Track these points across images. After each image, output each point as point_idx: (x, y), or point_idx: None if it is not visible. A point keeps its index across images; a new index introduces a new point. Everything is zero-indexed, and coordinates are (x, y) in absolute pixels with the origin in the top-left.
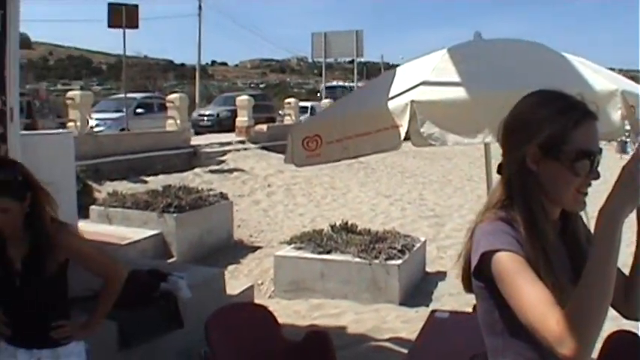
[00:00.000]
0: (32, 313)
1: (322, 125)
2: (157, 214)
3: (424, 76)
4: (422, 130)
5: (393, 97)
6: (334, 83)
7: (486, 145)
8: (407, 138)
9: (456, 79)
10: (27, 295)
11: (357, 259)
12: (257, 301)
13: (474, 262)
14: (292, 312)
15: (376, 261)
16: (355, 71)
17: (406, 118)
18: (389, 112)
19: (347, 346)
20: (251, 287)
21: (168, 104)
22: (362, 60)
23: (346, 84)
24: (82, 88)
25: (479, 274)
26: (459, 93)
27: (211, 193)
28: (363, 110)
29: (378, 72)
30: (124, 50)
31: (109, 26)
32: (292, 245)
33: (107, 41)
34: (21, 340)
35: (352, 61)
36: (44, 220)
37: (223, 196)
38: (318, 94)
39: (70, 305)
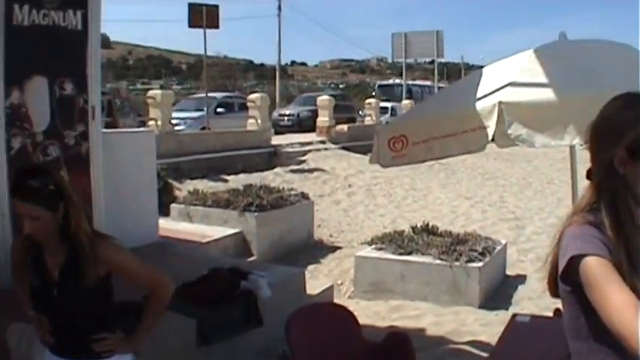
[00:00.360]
0: (71, 323)
1: (408, 126)
2: (237, 213)
3: (511, 77)
4: (509, 131)
5: (480, 98)
6: (390, 81)
7: (571, 148)
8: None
9: (543, 80)
10: (64, 305)
11: (438, 261)
12: (336, 301)
13: (561, 266)
14: (372, 313)
15: (457, 263)
16: (436, 72)
17: (493, 119)
18: (476, 112)
19: (426, 349)
20: (331, 287)
21: (249, 104)
22: (442, 60)
23: (399, 81)
24: (161, 88)
25: (566, 278)
26: (547, 94)
27: (292, 192)
28: (449, 111)
29: (458, 73)
30: (204, 50)
31: (190, 26)
32: (373, 246)
33: (186, 41)
34: (62, 351)
35: (432, 62)
36: (79, 232)
37: (304, 196)
38: (373, 92)
39: (117, 318)
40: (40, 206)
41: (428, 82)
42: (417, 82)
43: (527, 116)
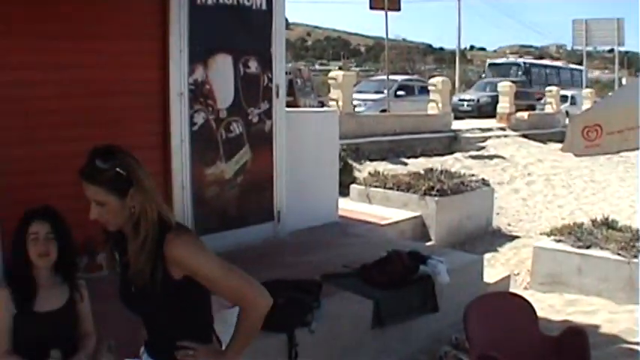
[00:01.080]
0: (151, 325)
1: (603, 115)
2: (418, 197)
3: None
4: None
5: None
6: (503, 60)
7: None
8: None
9: None
10: (139, 305)
11: (616, 257)
12: (512, 291)
13: None
14: (546, 305)
15: (635, 260)
16: (616, 60)
17: None
18: None
19: (599, 346)
20: (507, 277)
21: (430, 87)
22: (621, 49)
23: (514, 59)
24: (340, 69)
25: None
26: None
27: (473, 178)
28: None
29: (637, 62)
30: (385, 32)
31: (371, 8)
32: (551, 237)
33: (365, 23)
34: (151, 350)
35: (611, 50)
36: (140, 225)
37: (485, 183)
38: (483, 75)
39: (209, 328)
40: (103, 189)
41: (559, 63)
42: (545, 61)
43: None
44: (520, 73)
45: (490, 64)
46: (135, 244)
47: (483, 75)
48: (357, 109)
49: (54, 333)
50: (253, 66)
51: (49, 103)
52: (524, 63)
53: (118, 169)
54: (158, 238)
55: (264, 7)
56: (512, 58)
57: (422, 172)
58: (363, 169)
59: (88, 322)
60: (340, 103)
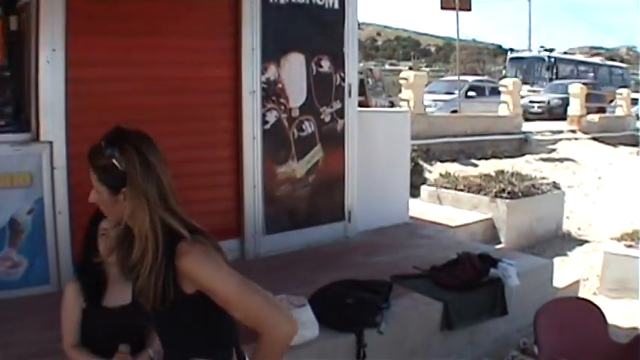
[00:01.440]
0: (166, 342)
1: None
2: (488, 199)
3: None
4: None
5: None
6: (525, 53)
7: None
8: None
9: None
10: (140, 315)
11: None
12: (581, 296)
13: None
14: (615, 312)
15: None
16: None
17: None
18: None
19: None
20: (577, 282)
21: (501, 88)
22: None
23: (539, 53)
24: (410, 69)
25: None
26: None
27: (543, 181)
28: None
29: None
30: (457, 32)
31: (442, 8)
32: (622, 242)
33: (435, 24)
34: None
35: None
36: (140, 235)
37: (555, 186)
38: (504, 70)
39: (227, 346)
40: (97, 175)
41: (596, 59)
42: (579, 57)
43: None
44: (544, 69)
45: (512, 59)
46: (135, 255)
47: (504, 71)
48: (427, 110)
49: (123, 328)
50: (326, 65)
51: (129, 100)
52: (549, 58)
53: (114, 161)
54: (167, 251)
55: (336, 6)
56: (535, 52)
57: (493, 173)
58: (434, 170)
59: None
60: (411, 104)
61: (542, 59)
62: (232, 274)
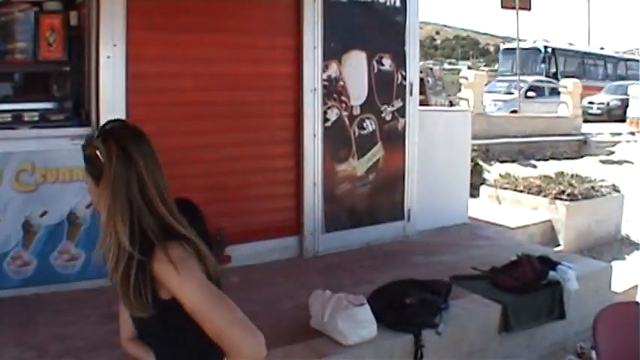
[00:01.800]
0: (155, 350)
1: None
2: (548, 201)
3: None
4: None
5: None
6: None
7: None
8: None
9: None
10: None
11: None
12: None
13: None
14: None
15: None
16: None
17: None
18: None
19: None
20: (635, 286)
21: (561, 89)
22: None
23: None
24: (469, 69)
25: None
26: None
27: (603, 184)
28: None
29: None
30: (517, 32)
31: (502, 7)
32: None
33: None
34: None
35: None
36: (114, 228)
37: (615, 188)
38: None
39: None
40: (85, 164)
41: (607, 52)
42: (584, 48)
43: None
44: (539, 62)
45: (504, 50)
46: (113, 253)
47: (497, 65)
48: (487, 110)
49: None
50: (387, 64)
51: (188, 96)
52: (546, 48)
53: (97, 152)
54: (144, 254)
55: (397, 4)
56: (531, 42)
57: (553, 175)
58: (493, 171)
59: None
60: (471, 103)
61: (537, 50)
62: (202, 284)
